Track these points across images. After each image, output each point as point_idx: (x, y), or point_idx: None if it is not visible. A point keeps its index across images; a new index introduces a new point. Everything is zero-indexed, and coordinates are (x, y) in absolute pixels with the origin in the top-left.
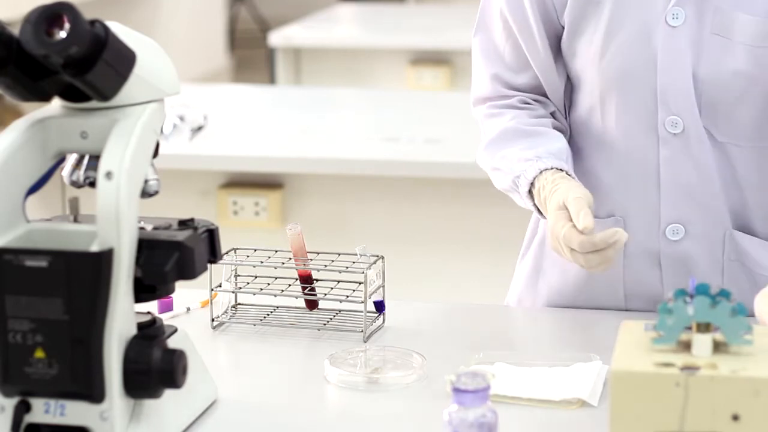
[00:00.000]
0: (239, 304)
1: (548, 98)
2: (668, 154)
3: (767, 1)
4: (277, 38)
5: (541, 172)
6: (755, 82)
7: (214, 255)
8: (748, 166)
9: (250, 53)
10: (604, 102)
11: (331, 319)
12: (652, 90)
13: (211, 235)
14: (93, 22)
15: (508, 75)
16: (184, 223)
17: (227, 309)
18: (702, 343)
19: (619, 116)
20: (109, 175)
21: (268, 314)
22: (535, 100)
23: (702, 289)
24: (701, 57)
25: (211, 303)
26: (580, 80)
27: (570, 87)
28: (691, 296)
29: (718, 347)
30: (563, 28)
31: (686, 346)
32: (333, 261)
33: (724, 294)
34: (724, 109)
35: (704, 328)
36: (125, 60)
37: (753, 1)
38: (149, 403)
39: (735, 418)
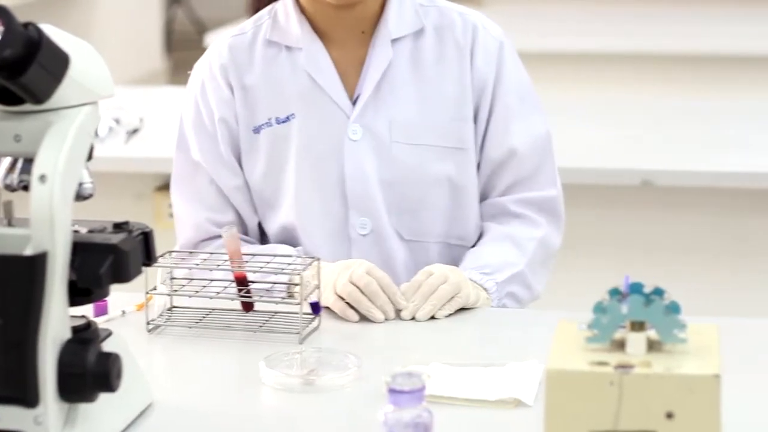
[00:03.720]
0: (175, 306)
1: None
2: (358, 255)
3: (440, 108)
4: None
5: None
6: (438, 182)
7: (149, 258)
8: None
9: (186, 55)
10: (300, 215)
11: (266, 321)
12: (343, 195)
13: (146, 238)
14: (27, 25)
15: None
16: (118, 226)
17: (163, 312)
18: (636, 341)
19: (314, 223)
20: (42, 178)
21: (203, 317)
22: None
23: (636, 288)
24: (383, 164)
25: (147, 306)
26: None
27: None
28: (625, 295)
29: (652, 345)
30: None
31: (620, 345)
32: (269, 263)
33: (658, 292)
34: (410, 209)
35: (638, 326)
36: (59, 63)
37: (426, 109)
38: (84, 407)
39: (669, 416)
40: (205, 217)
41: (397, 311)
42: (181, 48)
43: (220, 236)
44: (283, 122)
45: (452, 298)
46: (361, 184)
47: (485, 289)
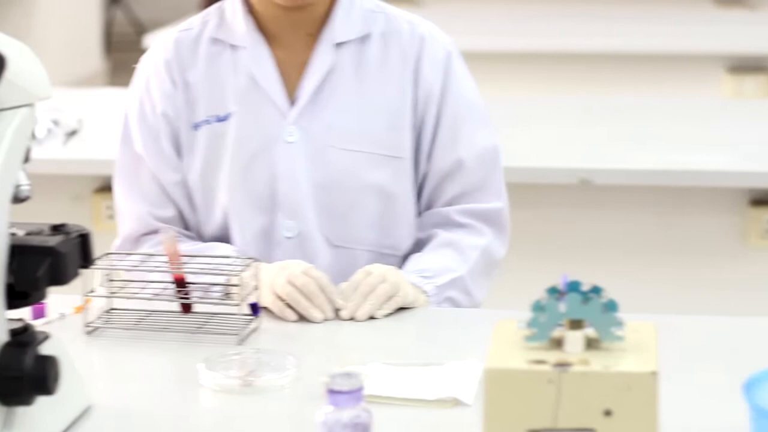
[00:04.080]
0: (113, 309)
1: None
2: (281, 257)
3: (378, 115)
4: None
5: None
6: (370, 189)
7: (87, 260)
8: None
9: (125, 56)
10: (232, 214)
11: (206, 322)
12: (273, 197)
13: (84, 240)
14: None
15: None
16: (56, 229)
17: (101, 314)
18: (574, 339)
19: (244, 224)
20: None
21: (142, 319)
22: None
23: (574, 286)
24: (317, 168)
25: (85, 308)
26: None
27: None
28: (563, 293)
29: (590, 344)
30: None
31: (559, 343)
32: (208, 264)
33: (596, 291)
34: (340, 215)
35: (576, 324)
36: None
37: (364, 115)
38: (22, 410)
39: (607, 413)
40: (146, 211)
41: (336, 311)
42: (120, 49)
43: (160, 230)
44: (222, 120)
45: (391, 297)
46: (291, 186)
47: (424, 292)
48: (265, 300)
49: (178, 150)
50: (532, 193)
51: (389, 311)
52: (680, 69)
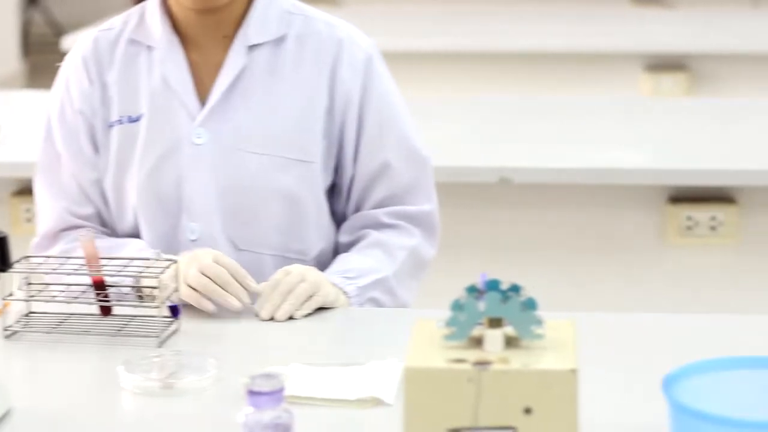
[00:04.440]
0: (32, 312)
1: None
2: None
3: (288, 118)
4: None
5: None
6: (277, 193)
7: (4, 264)
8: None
9: (44, 58)
10: (140, 215)
11: (125, 325)
12: (179, 199)
13: (2, 243)
14: None
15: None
16: None
17: (20, 318)
18: (493, 338)
19: (151, 225)
20: None
21: (61, 322)
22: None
23: (493, 285)
24: (224, 170)
25: (4, 312)
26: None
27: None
28: (483, 292)
29: (509, 342)
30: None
31: (478, 342)
32: (126, 266)
33: (515, 289)
34: (245, 219)
35: (495, 323)
36: None
37: (274, 118)
38: None
39: (527, 411)
40: (65, 208)
41: (256, 314)
42: (39, 51)
43: (78, 227)
44: (134, 121)
45: (311, 297)
46: (196, 188)
47: (345, 293)
48: (180, 292)
49: (96, 148)
50: (453, 191)
51: (309, 311)
52: (599, 68)
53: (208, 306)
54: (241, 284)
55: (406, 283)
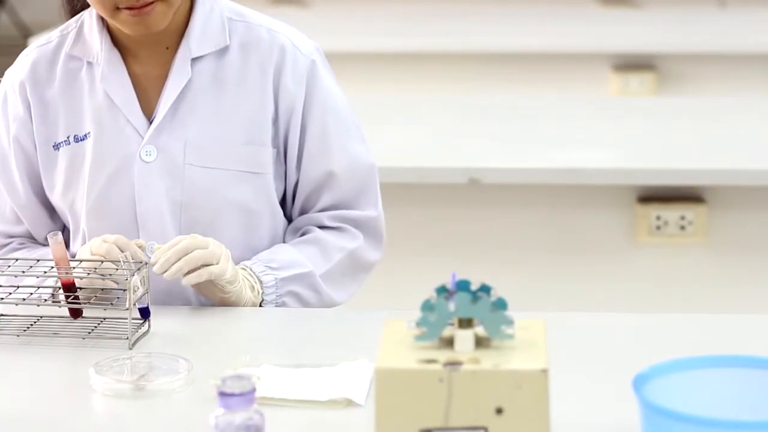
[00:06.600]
0: (1, 315)
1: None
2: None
3: (237, 131)
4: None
5: None
6: (232, 207)
7: None
8: None
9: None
10: (93, 235)
11: (96, 327)
12: (133, 218)
13: None
14: None
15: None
16: None
17: None
18: (464, 338)
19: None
20: None
21: (31, 325)
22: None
23: (463, 285)
24: (176, 187)
25: None
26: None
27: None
28: (453, 292)
29: (480, 342)
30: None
31: (449, 342)
32: (96, 269)
33: (485, 289)
34: (201, 233)
35: (466, 323)
36: None
37: (223, 131)
38: None
39: (498, 411)
40: None
41: (152, 265)
42: (5, 53)
43: (9, 245)
44: (81, 140)
45: (204, 266)
46: (151, 206)
47: (261, 282)
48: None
49: (33, 173)
50: (422, 192)
51: (198, 280)
52: (566, 67)
53: (109, 284)
54: (132, 255)
55: (339, 283)
